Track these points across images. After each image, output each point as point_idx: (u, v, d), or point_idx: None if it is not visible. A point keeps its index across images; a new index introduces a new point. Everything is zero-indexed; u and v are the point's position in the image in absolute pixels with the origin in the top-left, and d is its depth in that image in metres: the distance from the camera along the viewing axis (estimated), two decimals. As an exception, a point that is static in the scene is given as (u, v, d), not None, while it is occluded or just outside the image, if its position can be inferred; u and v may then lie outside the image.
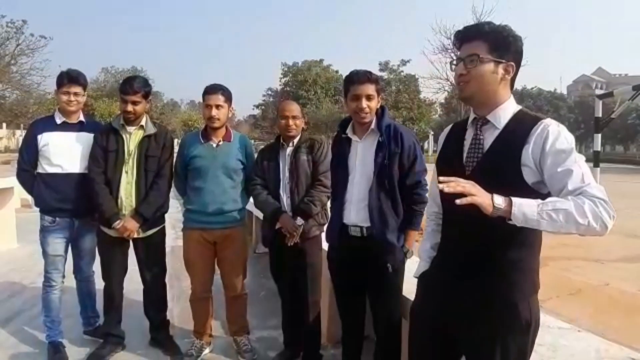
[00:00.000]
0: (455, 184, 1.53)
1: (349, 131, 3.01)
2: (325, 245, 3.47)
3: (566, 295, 5.72)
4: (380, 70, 47.17)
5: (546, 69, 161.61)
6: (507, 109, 1.86)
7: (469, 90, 1.85)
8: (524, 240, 1.82)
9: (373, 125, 2.91)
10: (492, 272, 1.84)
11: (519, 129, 1.79)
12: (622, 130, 67.38)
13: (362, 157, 2.92)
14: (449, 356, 2.06)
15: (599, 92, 19.30)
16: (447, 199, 1.90)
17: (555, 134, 1.71)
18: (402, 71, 47.55)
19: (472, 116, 1.96)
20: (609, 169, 29.87)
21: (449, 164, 1.99)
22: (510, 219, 1.56)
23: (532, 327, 1.87)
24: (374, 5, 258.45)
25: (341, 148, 3.04)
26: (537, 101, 71.52)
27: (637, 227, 10.08)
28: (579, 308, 5.22)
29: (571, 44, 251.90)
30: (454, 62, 1.90)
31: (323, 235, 3.51)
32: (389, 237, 2.79)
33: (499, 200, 1.56)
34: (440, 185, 1.54)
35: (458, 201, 1.50)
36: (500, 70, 1.82)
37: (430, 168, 2.41)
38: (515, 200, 1.55)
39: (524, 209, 1.54)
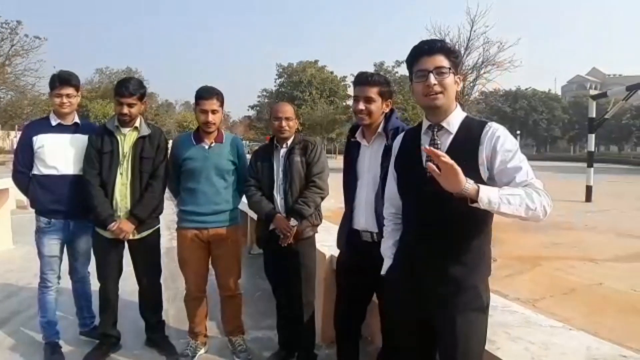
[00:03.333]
0: (444, 157, 1.74)
1: (358, 135, 3.01)
2: (319, 246, 3.49)
3: (560, 294, 5.74)
4: (375, 71, 47.13)
5: (540, 69, 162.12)
6: (457, 116, 2.11)
7: (442, 100, 2.05)
8: (481, 229, 2.08)
9: (380, 129, 2.90)
10: (455, 259, 2.05)
11: (471, 133, 2.04)
12: (616, 131, 67.75)
13: (369, 161, 2.92)
14: (429, 342, 2.21)
15: (593, 92, 19.38)
16: (409, 199, 2.22)
17: (503, 136, 1.99)
18: (397, 72, 47.61)
19: (425, 123, 2.17)
20: (603, 169, 30.00)
21: (409, 168, 2.20)
22: (475, 201, 1.77)
23: (487, 308, 2.14)
24: (370, 6, 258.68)
25: (350, 152, 3.05)
26: (532, 102, 71.74)
27: (631, 227, 10.14)
28: (573, 307, 5.25)
29: (566, 44, 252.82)
30: (418, 75, 2.07)
31: (317, 236, 3.53)
32: None
33: (470, 182, 1.77)
34: (429, 149, 1.79)
35: (442, 159, 1.73)
36: (456, 83, 2.09)
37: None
38: (481, 185, 1.79)
39: (489, 193, 1.77)
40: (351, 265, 3.02)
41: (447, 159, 1.73)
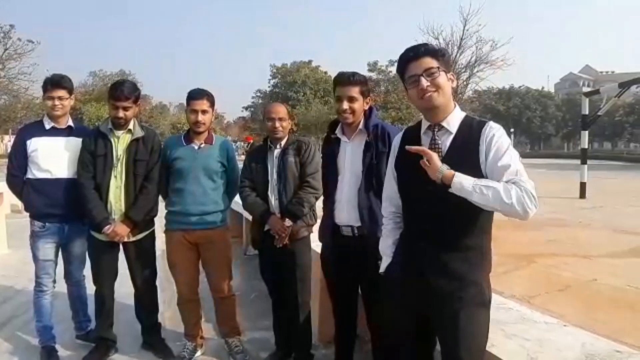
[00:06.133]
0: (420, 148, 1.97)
1: (338, 132, 3.09)
2: (314, 246, 3.50)
3: (555, 291, 5.75)
4: (369, 70, 47.28)
5: (533, 67, 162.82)
6: (456, 116, 2.14)
7: (439, 99, 2.07)
8: (481, 227, 2.10)
9: (361, 126, 2.99)
10: (458, 255, 2.07)
11: (471, 133, 2.06)
12: (609, 127, 68.03)
13: (351, 157, 3.00)
14: (427, 340, 2.26)
15: (586, 89, 19.48)
16: (410, 198, 2.25)
17: (497, 135, 2.02)
18: (391, 71, 47.65)
19: (425, 124, 2.19)
20: (597, 165, 30.06)
21: (410, 168, 2.16)
22: (450, 186, 1.89)
23: (489, 304, 2.17)
24: (363, 6, 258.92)
25: (330, 149, 3.13)
26: (525, 99, 71.92)
27: (624, 223, 10.17)
28: (568, 304, 5.26)
29: (558, 42, 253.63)
30: (410, 81, 2.10)
31: (312, 236, 3.55)
32: (379, 236, 2.83)
33: (445, 167, 1.92)
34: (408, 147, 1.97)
35: (412, 148, 1.98)
36: (450, 80, 2.11)
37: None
38: (457, 172, 1.90)
39: (462, 180, 1.88)
40: (335, 260, 3.12)
41: (423, 148, 1.95)
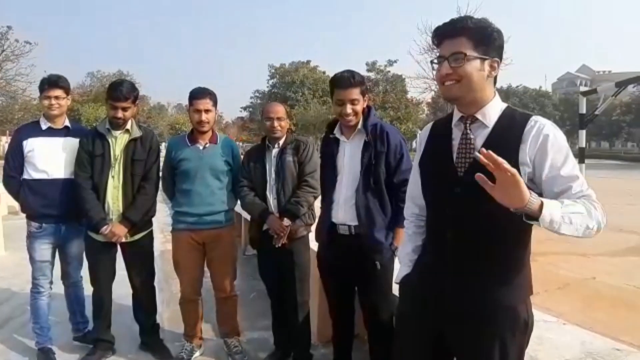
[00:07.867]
0: (505, 164, 1.42)
1: (336, 132, 3.07)
2: (313, 245, 3.50)
3: (554, 289, 5.77)
4: (368, 70, 47.30)
5: (531, 67, 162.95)
6: (494, 107, 1.82)
7: (456, 91, 1.78)
8: (520, 239, 1.80)
9: (360, 126, 2.97)
10: (490, 273, 1.79)
11: (512, 128, 1.76)
12: (607, 127, 68.23)
13: (350, 157, 2.98)
14: (439, 358, 2.00)
15: (583, 89, 19.49)
16: (435, 200, 1.96)
17: (553, 135, 1.71)
18: (389, 71, 47.76)
19: (457, 115, 1.89)
20: (594, 165, 30.14)
21: (437, 165, 1.94)
22: (533, 218, 1.49)
23: (529, 327, 1.85)
24: (361, 6, 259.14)
25: (329, 148, 3.11)
26: (523, 99, 72.10)
27: (622, 222, 10.17)
28: (567, 302, 5.27)
29: (555, 41, 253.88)
30: (435, 61, 1.82)
31: (311, 235, 3.54)
32: (376, 236, 2.84)
33: (535, 196, 1.47)
34: (486, 154, 1.43)
35: (504, 167, 1.40)
36: (487, 67, 1.77)
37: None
38: (545, 200, 1.49)
39: (552, 210, 1.48)
40: (331, 258, 3.11)
41: (508, 166, 1.41)
